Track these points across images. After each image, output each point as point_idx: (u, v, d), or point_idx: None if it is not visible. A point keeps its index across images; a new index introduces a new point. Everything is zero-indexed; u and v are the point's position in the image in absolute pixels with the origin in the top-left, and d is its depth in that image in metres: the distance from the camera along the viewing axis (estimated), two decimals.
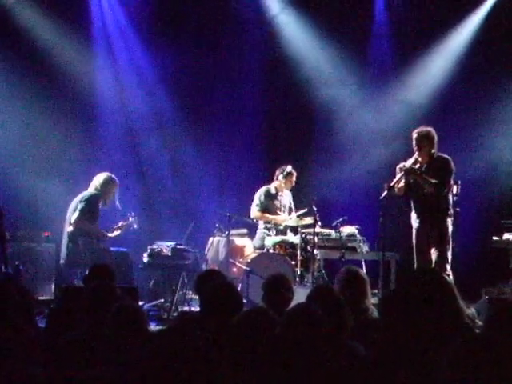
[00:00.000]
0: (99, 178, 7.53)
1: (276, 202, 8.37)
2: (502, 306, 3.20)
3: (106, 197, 7.51)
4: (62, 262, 7.46)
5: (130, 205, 8.09)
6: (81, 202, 7.39)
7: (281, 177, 8.25)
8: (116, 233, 7.64)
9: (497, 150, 8.99)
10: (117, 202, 7.63)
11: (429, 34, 9.14)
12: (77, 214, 7.33)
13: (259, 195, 8.37)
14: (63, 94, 8.94)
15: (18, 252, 7.53)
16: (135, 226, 7.70)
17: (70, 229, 7.39)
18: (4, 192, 7.84)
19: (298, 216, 8.15)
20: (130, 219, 7.66)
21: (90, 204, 7.38)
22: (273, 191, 8.37)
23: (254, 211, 8.34)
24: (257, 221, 8.36)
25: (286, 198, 8.48)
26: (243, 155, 9.49)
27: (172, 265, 7.66)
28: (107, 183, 7.52)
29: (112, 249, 7.59)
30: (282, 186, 8.30)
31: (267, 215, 8.29)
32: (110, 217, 7.80)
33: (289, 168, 8.25)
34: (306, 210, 7.98)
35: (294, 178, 8.30)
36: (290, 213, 8.45)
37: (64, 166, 8.83)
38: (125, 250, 7.67)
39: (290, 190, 8.51)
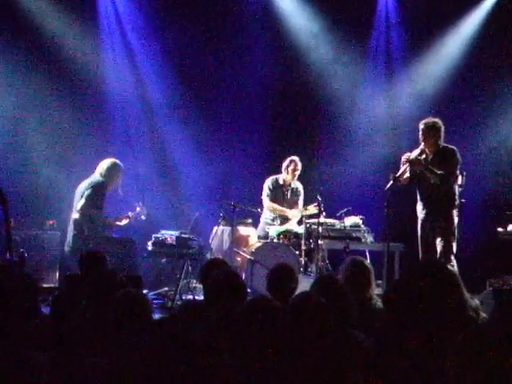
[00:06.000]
0: (104, 164, 7.54)
1: (284, 191, 8.34)
2: (508, 297, 3.20)
3: (110, 182, 7.52)
4: (66, 249, 7.47)
5: (135, 194, 8.09)
6: (87, 188, 7.40)
7: (283, 168, 8.24)
8: (124, 222, 7.64)
9: (502, 140, 8.97)
10: (119, 190, 7.63)
11: (437, 24, 9.09)
12: (83, 200, 7.34)
13: (267, 185, 8.33)
14: (71, 82, 8.93)
15: (23, 239, 7.55)
16: (143, 217, 7.70)
17: (75, 216, 7.40)
18: (10, 179, 7.85)
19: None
20: (138, 209, 7.66)
21: (96, 191, 7.39)
22: (281, 182, 8.34)
23: (266, 201, 8.29)
24: (261, 210, 8.34)
25: (294, 191, 8.40)
26: (248, 145, 9.47)
27: (176, 253, 7.68)
28: (112, 169, 7.52)
29: (117, 236, 7.61)
30: (287, 177, 8.26)
31: (278, 206, 8.26)
32: (116, 205, 7.81)
33: (288, 158, 8.20)
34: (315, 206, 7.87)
35: (297, 167, 8.17)
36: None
37: (70, 153, 8.84)
38: (130, 237, 7.68)
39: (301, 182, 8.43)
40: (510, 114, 8.97)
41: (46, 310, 4.70)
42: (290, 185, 8.33)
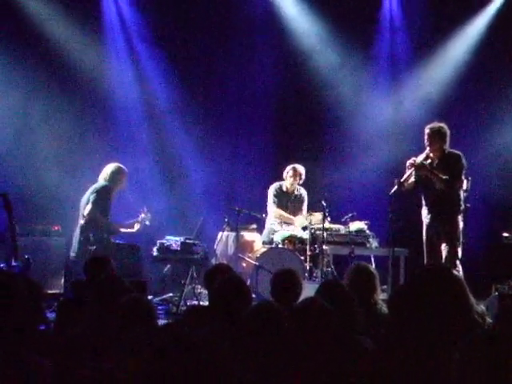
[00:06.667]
0: (108, 169, 7.54)
1: (288, 198, 8.34)
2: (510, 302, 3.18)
3: (114, 187, 7.53)
4: (72, 254, 7.47)
5: (139, 199, 8.09)
6: (92, 194, 7.39)
7: (284, 175, 8.27)
8: (137, 227, 7.63)
9: (508, 144, 8.95)
10: (129, 195, 7.64)
11: (442, 28, 9.08)
12: (89, 206, 7.33)
13: (272, 191, 8.34)
14: (76, 86, 8.92)
15: (28, 245, 7.54)
16: (147, 223, 7.70)
17: (82, 221, 7.40)
18: (15, 185, 7.87)
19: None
20: (142, 215, 7.65)
21: (101, 194, 7.38)
22: (284, 189, 8.36)
23: (273, 209, 8.28)
24: (266, 216, 8.34)
25: (298, 197, 8.40)
26: (253, 150, 9.48)
27: (181, 259, 7.68)
28: (116, 173, 7.52)
29: (122, 242, 7.61)
30: (288, 184, 8.28)
31: (285, 214, 8.26)
32: (122, 210, 7.81)
33: (289, 166, 8.23)
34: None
35: (297, 174, 8.20)
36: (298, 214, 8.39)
37: (75, 158, 8.85)
38: (135, 243, 7.68)
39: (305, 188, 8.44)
40: None
41: (51, 315, 4.71)
42: (293, 191, 8.35)
